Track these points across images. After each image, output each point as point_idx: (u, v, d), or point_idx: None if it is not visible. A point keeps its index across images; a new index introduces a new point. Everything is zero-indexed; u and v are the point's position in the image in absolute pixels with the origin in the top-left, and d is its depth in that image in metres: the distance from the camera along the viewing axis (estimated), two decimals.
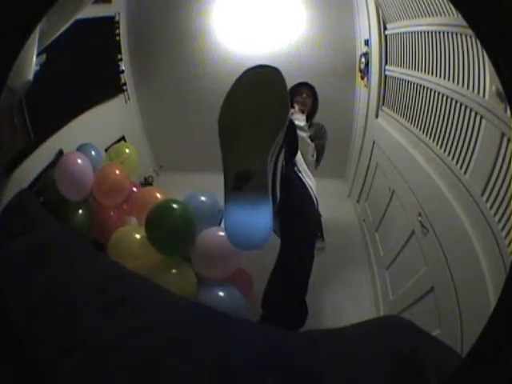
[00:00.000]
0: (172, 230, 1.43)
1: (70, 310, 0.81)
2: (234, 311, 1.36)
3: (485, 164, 1.06)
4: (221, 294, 1.41)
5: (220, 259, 1.43)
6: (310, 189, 1.57)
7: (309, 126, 1.86)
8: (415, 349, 0.69)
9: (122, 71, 2.39)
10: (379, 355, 0.69)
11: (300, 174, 1.59)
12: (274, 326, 0.95)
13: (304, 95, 1.90)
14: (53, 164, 1.68)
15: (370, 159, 2.14)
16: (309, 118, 1.89)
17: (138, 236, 1.57)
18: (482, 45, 0.58)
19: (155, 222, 1.48)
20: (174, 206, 1.50)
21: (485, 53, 0.71)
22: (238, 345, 0.73)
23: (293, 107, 1.79)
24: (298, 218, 1.28)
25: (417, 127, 1.60)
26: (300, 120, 1.75)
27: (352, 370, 0.67)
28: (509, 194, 0.96)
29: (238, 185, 0.98)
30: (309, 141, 1.75)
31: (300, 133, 1.68)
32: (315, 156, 1.80)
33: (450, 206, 1.21)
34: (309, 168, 1.71)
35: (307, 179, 1.61)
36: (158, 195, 1.73)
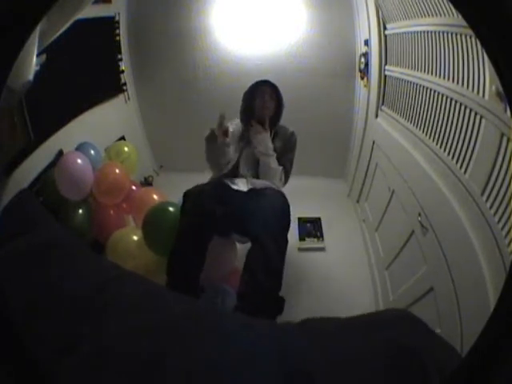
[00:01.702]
0: (167, 233, 1.44)
1: (69, 310, 0.81)
2: (228, 309, 1.37)
3: (485, 164, 1.06)
4: (216, 293, 1.42)
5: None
6: (270, 192, 1.47)
7: (274, 136, 1.61)
8: (419, 346, 0.69)
9: (122, 71, 2.39)
10: (383, 349, 0.69)
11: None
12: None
13: (266, 97, 1.58)
14: (53, 164, 1.69)
15: (370, 159, 2.14)
16: (273, 125, 1.61)
17: (135, 237, 1.58)
18: (482, 45, 0.58)
19: (151, 224, 1.50)
20: (170, 208, 1.52)
21: (485, 53, 0.71)
22: (237, 343, 0.73)
23: (250, 124, 1.51)
24: (254, 219, 1.27)
25: (417, 127, 1.60)
26: (262, 141, 1.51)
27: (351, 364, 0.67)
28: (509, 194, 0.96)
29: None
30: (274, 165, 1.53)
31: (264, 160, 1.52)
32: (283, 178, 1.59)
33: (450, 206, 1.21)
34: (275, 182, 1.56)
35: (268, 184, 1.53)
36: (155, 196, 1.74)
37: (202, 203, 1.34)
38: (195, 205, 1.34)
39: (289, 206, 1.41)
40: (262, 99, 1.59)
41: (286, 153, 1.62)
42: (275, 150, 1.58)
